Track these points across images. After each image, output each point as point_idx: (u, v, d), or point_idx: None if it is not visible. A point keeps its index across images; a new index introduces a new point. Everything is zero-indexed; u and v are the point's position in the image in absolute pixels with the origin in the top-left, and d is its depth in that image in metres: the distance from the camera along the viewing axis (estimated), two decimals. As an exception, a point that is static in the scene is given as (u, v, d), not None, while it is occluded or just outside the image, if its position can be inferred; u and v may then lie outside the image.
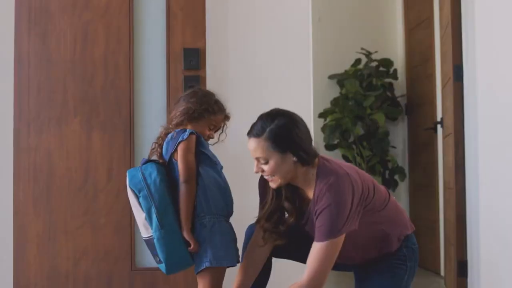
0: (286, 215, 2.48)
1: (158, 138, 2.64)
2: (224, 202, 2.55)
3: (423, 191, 5.30)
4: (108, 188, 3.33)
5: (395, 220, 2.46)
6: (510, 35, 3.11)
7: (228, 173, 2.65)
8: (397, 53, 5.74)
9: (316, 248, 2.27)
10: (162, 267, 2.51)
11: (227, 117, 2.65)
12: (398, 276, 2.45)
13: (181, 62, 3.38)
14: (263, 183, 2.47)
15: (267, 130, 2.31)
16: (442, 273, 4.69)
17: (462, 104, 3.78)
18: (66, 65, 3.35)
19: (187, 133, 2.51)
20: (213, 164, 2.57)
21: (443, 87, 4.31)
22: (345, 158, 5.45)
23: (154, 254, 2.51)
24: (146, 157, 2.65)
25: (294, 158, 2.31)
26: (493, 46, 3.33)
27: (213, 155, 2.60)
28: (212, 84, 3.37)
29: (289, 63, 3.66)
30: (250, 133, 2.36)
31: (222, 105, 2.64)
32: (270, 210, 2.44)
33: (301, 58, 3.67)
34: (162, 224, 2.44)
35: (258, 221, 2.48)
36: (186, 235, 2.47)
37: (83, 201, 3.33)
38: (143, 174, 2.49)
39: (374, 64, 5.53)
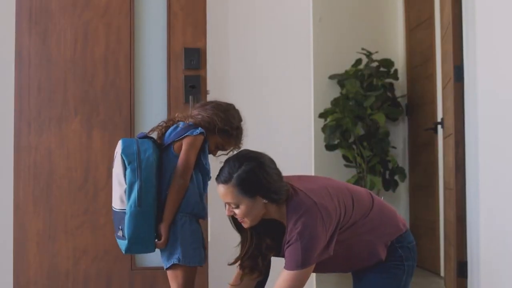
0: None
1: (169, 121, 2.60)
2: (203, 206, 2.54)
3: (423, 191, 5.30)
4: (108, 187, 3.32)
5: (381, 224, 2.43)
6: (511, 36, 3.11)
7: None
8: (397, 53, 5.75)
9: (284, 276, 2.29)
10: (123, 243, 2.47)
11: (237, 146, 2.58)
12: (396, 276, 2.44)
13: (181, 62, 3.38)
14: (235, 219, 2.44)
15: (234, 176, 2.29)
16: (442, 274, 4.69)
17: (462, 104, 3.78)
18: (66, 64, 3.35)
19: (198, 130, 2.48)
20: (204, 172, 2.55)
21: (444, 87, 4.32)
22: (345, 158, 5.46)
23: (119, 228, 2.47)
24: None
25: (265, 200, 2.31)
26: (494, 46, 3.33)
27: (209, 165, 2.58)
28: (212, 84, 3.38)
29: (289, 63, 3.66)
30: (218, 179, 2.34)
31: (241, 134, 2.59)
32: (250, 249, 2.42)
33: (302, 58, 3.67)
34: (140, 202, 2.40)
35: (235, 261, 2.46)
36: (163, 228, 2.45)
37: (83, 200, 3.33)
38: (138, 148, 2.45)
39: (374, 64, 5.54)
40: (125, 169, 2.44)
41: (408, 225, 2.56)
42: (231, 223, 2.45)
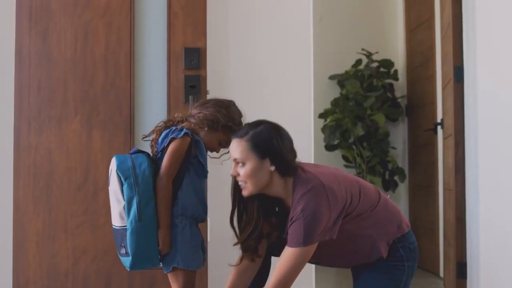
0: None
1: (168, 121, 2.61)
2: (202, 209, 2.54)
3: (423, 192, 5.30)
4: (108, 187, 3.33)
5: (385, 221, 2.44)
6: (511, 36, 3.11)
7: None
8: (397, 54, 5.75)
9: (287, 253, 2.30)
10: (127, 261, 2.46)
11: None
12: (397, 277, 2.44)
13: (181, 62, 3.38)
14: (237, 190, 2.44)
15: (250, 132, 2.35)
16: (441, 274, 4.69)
17: (462, 105, 3.78)
18: (66, 64, 3.35)
19: (182, 133, 2.48)
20: (203, 173, 2.55)
21: (444, 88, 4.31)
22: (345, 158, 5.46)
23: (121, 246, 2.46)
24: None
25: (272, 167, 2.33)
26: (494, 47, 3.33)
27: (206, 164, 2.58)
28: (212, 84, 3.38)
29: (289, 63, 3.66)
30: (234, 135, 2.40)
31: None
32: (257, 228, 2.43)
33: (302, 58, 3.67)
34: (140, 217, 2.40)
35: (240, 241, 2.45)
36: (160, 233, 2.44)
37: (83, 200, 3.33)
38: (133, 162, 2.45)
39: (374, 64, 5.54)
40: (121, 185, 2.43)
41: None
42: (231, 190, 2.44)
